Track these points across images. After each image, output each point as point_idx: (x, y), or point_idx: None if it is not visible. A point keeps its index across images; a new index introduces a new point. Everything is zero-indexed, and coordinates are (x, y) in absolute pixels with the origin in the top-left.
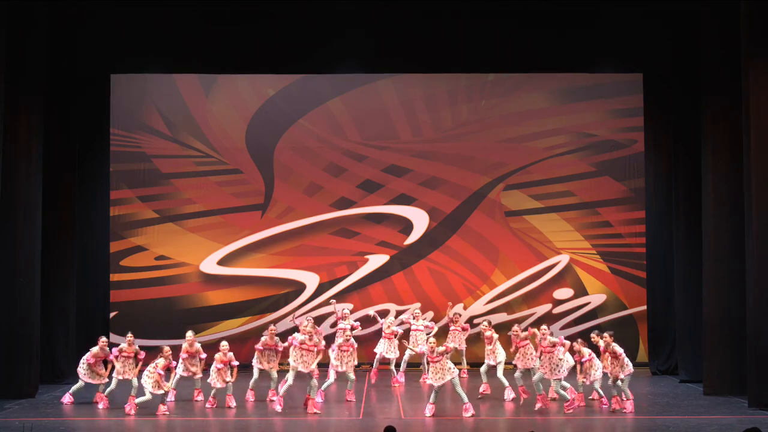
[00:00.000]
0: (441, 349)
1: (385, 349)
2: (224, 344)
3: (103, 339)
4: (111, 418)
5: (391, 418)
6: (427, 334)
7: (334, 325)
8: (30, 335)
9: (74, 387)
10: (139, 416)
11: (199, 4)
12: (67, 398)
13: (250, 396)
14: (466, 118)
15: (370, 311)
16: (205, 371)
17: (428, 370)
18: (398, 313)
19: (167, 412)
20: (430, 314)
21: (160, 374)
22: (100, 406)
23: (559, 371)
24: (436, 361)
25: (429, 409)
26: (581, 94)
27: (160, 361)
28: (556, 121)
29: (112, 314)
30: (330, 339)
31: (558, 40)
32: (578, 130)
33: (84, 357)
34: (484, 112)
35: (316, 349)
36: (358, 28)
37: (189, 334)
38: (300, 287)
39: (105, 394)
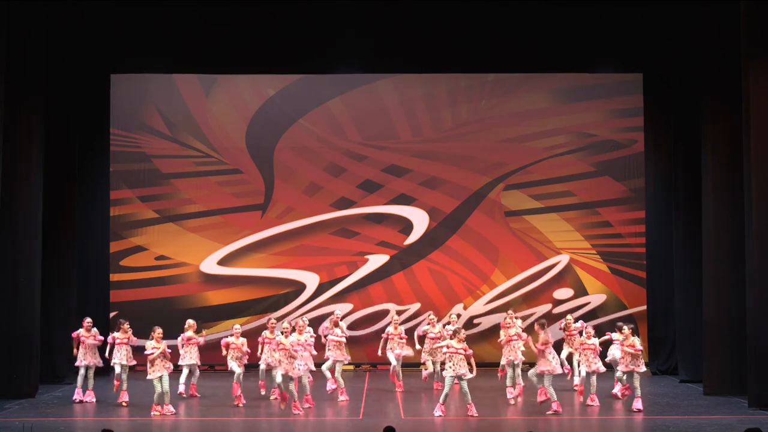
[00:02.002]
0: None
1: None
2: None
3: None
4: (111, 418)
5: (391, 418)
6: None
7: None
8: (30, 335)
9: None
10: (141, 416)
11: (199, 4)
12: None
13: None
14: (466, 118)
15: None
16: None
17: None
18: (399, 313)
19: (168, 413)
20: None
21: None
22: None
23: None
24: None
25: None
26: (581, 94)
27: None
28: (556, 121)
29: (112, 314)
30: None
31: (558, 40)
32: (578, 130)
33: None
34: (484, 112)
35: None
36: (358, 28)
37: (236, 326)
38: (300, 287)
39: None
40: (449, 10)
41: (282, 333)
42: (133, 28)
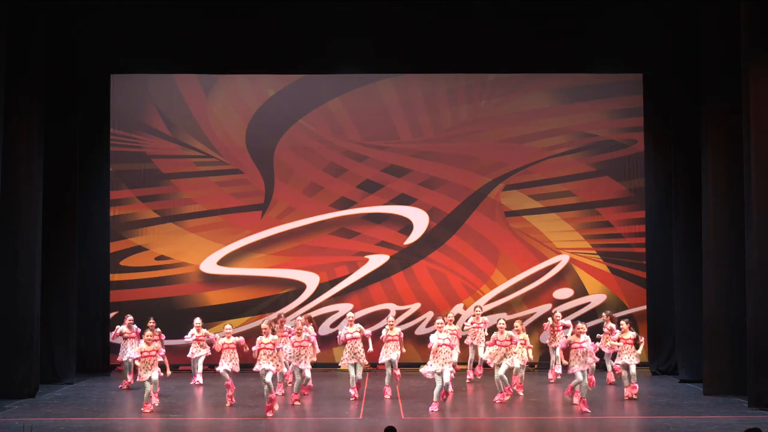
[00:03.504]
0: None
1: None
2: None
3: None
4: (111, 418)
5: (391, 418)
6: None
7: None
8: (30, 335)
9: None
10: (143, 417)
11: (199, 4)
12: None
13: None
14: (466, 118)
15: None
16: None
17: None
18: (398, 313)
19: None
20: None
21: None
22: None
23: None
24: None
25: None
26: (581, 94)
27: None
28: (556, 121)
29: (112, 314)
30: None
31: (558, 39)
32: (578, 130)
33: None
34: (484, 112)
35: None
36: (358, 28)
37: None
38: (300, 287)
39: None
40: (449, 9)
41: (263, 333)
42: (133, 28)
